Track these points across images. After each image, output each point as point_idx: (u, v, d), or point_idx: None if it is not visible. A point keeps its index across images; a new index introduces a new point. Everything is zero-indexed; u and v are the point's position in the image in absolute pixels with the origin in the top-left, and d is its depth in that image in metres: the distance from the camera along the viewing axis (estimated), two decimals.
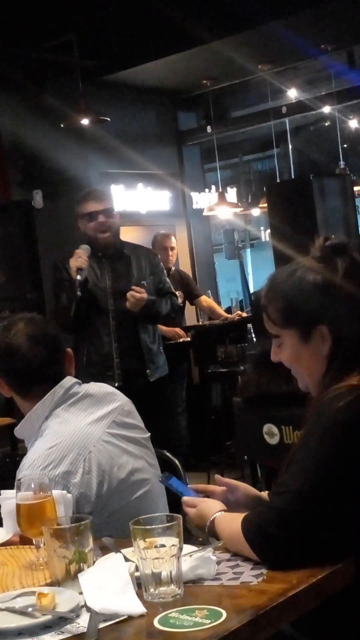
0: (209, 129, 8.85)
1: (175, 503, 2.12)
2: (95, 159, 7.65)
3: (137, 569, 1.61)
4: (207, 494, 2.01)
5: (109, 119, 6.73)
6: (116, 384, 4.25)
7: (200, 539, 1.92)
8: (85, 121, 6.56)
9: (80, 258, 4.39)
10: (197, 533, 1.90)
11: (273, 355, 1.90)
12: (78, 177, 7.54)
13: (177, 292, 5.40)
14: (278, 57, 7.58)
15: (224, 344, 6.16)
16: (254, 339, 5.78)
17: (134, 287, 4.45)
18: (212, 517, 1.84)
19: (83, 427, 2.29)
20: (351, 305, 1.79)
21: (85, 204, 4.60)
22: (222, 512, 1.85)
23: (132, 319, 4.50)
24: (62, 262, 4.59)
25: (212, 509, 1.87)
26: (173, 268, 6.87)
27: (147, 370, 4.57)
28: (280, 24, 6.63)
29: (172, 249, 6.93)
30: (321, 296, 1.80)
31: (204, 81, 8.09)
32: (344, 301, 1.79)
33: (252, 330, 5.95)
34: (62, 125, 6.73)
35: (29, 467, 2.19)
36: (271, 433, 3.32)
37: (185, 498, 1.97)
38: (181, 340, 6.55)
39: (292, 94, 8.49)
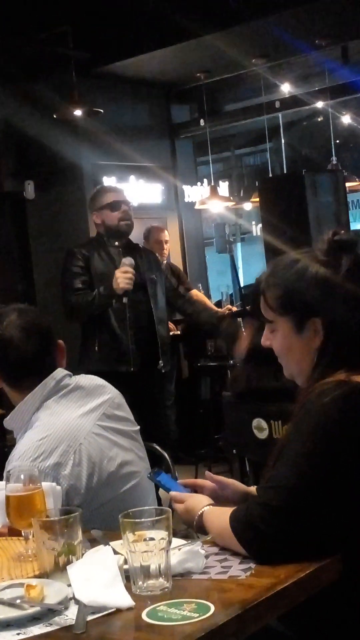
0: (202, 122, 8.83)
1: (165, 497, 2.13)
2: (87, 151, 7.63)
3: (125, 561, 1.62)
4: (196, 489, 2.02)
5: (102, 111, 6.72)
6: (132, 369, 4.32)
7: (187, 533, 1.93)
8: (78, 112, 6.54)
9: (128, 279, 4.44)
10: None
11: (264, 340, 1.90)
12: (70, 169, 7.52)
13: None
14: (272, 52, 7.57)
15: (214, 338, 6.16)
16: (244, 333, 5.79)
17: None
18: (200, 512, 1.84)
19: (74, 419, 2.29)
20: (349, 304, 1.80)
21: (105, 195, 4.78)
22: (210, 506, 1.85)
23: (147, 310, 4.59)
24: (78, 249, 4.70)
25: (200, 503, 1.87)
26: (165, 262, 6.88)
27: (160, 362, 4.68)
28: (274, 18, 6.62)
29: (166, 242, 6.97)
30: (320, 289, 1.80)
31: (198, 74, 8.06)
32: (342, 298, 1.79)
33: (242, 324, 5.95)
34: (55, 117, 6.70)
35: (18, 459, 2.19)
36: (260, 427, 3.33)
37: (173, 493, 1.98)
38: (171, 333, 6.55)
39: (286, 88, 8.47)
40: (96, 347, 4.59)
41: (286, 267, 1.86)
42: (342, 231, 1.88)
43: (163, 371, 4.73)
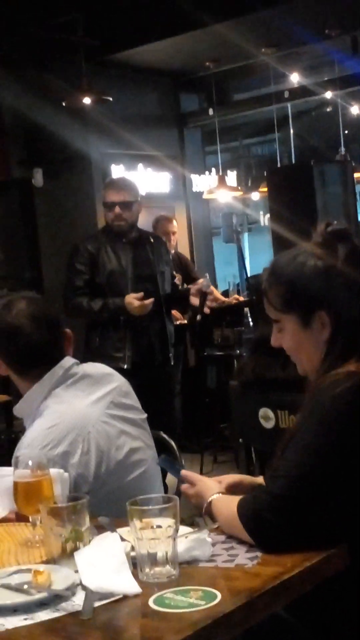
0: (210, 111, 8.81)
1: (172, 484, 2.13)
2: (96, 139, 7.62)
3: (133, 548, 1.63)
4: None
5: (111, 99, 6.70)
6: (125, 366, 4.34)
7: (193, 521, 1.94)
8: (87, 100, 6.53)
9: (138, 310, 4.49)
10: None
11: (274, 341, 1.91)
12: (79, 157, 7.51)
13: (175, 275, 5.48)
14: (281, 41, 7.54)
15: (221, 327, 6.16)
16: (251, 323, 5.79)
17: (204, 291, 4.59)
18: (210, 499, 1.85)
19: (82, 407, 2.30)
20: (351, 292, 1.80)
21: (106, 192, 4.75)
22: (220, 494, 1.86)
23: (154, 303, 4.58)
24: (83, 245, 4.68)
25: (210, 489, 1.88)
26: (173, 251, 6.88)
27: (170, 355, 4.75)
28: (284, 8, 6.60)
29: (174, 233, 6.97)
30: (322, 282, 1.80)
31: (207, 63, 8.04)
32: (344, 287, 1.80)
33: (249, 314, 5.95)
34: (64, 104, 6.69)
35: (27, 446, 2.20)
36: (267, 417, 3.33)
37: (184, 472, 1.97)
38: (178, 322, 6.55)
39: (295, 78, 8.44)
40: (97, 342, 4.60)
41: (285, 265, 1.87)
42: (335, 222, 1.89)
43: (172, 363, 4.79)
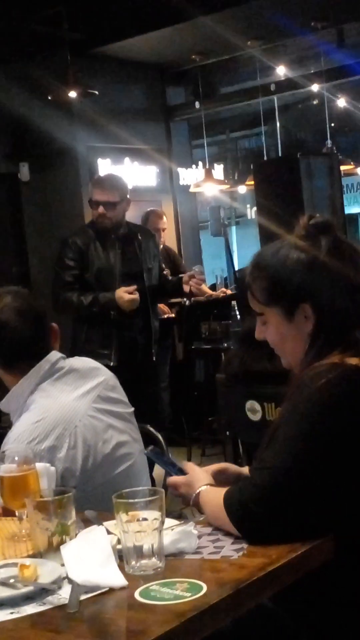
0: (197, 104, 8.80)
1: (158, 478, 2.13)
2: (82, 133, 7.60)
3: (119, 541, 1.63)
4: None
5: (97, 93, 6.68)
6: (112, 364, 4.34)
7: (180, 513, 1.94)
8: (73, 94, 6.50)
9: (134, 303, 4.52)
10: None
11: (258, 334, 1.91)
12: (65, 151, 7.49)
13: (165, 269, 5.49)
14: (267, 34, 7.53)
15: (208, 321, 6.17)
16: (238, 317, 5.80)
17: (195, 277, 4.67)
18: (198, 491, 1.85)
19: (69, 402, 2.30)
20: (334, 284, 1.80)
21: (92, 190, 4.76)
22: (208, 486, 1.86)
23: (142, 299, 4.60)
24: (73, 239, 4.68)
25: (199, 480, 1.88)
26: (161, 247, 6.87)
27: (152, 350, 4.75)
28: (270, 1, 6.58)
29: (164, 230, 6.97)
30: (304, 274, 1.81)
31: (193, 56, 8.03)
32: (327, 279, 1.80)
33: (236, 308, 5.96)
34: (49, 98, 6.67)
35: (14, 441, 2.19)
36: (254, 410, 3.34)
37: (187, 463, 1.98)
38: (165, 316, 6.56)
39: (281, 71, 8.43)
40: (84, 338, 4.60)
41: (268, 258, 1.87)
42: (317, 214, 1.90)
43: (154, 359, 4.80)
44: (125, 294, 4.48)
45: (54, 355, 2.36)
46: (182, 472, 1.96)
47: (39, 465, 1.96)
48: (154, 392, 5.05)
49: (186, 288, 4.65)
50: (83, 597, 1.49)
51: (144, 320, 4.72)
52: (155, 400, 5.10)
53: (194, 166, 9.26)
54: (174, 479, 1.94)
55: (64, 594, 1.51)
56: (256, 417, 3.33)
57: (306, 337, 1.82)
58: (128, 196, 4.78)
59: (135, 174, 8.29)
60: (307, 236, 1.85)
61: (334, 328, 1.80)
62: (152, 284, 4.77)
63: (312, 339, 1.81)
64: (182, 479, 1.92)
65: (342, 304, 1.80)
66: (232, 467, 2.07)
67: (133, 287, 4.50)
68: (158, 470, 3.39)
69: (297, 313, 1.82)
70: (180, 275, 4.88)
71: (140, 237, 4.79)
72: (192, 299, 6.52)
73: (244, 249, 12.84)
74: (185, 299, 4.59)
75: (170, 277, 5.27)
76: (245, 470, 2.03)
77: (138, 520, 1.58)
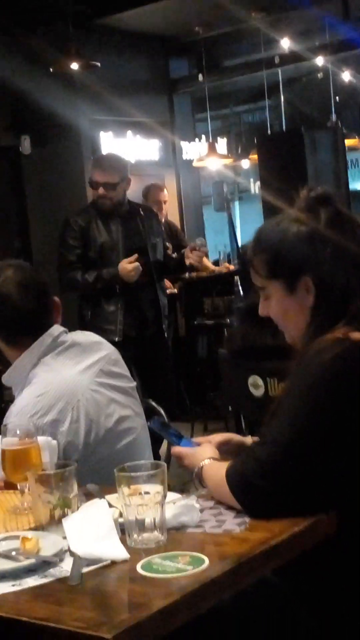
0: (200, 77, 8.72)
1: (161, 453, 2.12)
2: (84, 105, 7.55)
3: (121, 515, 1.63)
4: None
5: (99, 64, 6.62)
6: (116, 339, 4.36)
7: (182, 488, 1.94)
8: (75, 66, 6.44)
9: (137, 272, 4.53)
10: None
11: (261, 310, 1.90)
12: (67, 123, 7.44)
13: (168, 245, 5.49)
14: (271, 6, 7.46)
15: (211, 296, 6.16)
16: (241, 292, 5.78)
17: (197, 249, 4.66)
18: (201, 464, 1.85)
19: (71, 376, 2.29)
20: (335, 256, 1.79)
21: (93, 170, 4.79)
22: (211, 459, 1.86)
23: (146, 274, 4.61)
24: (74, 219, 4.70)
25: (203, 453, 1.88)
26: (163, 220, 6.85)
27: (163, 325, 4.78)
28: None
29: (165, 202, 6.95)
30: (305, 246, 1.80)
31: (197, 28, 7.95)
32: (327, 251, 1.79)
33: (239, 283, 5.94)
34: (51, 70, 6.61)
35: (17, 415, 2.19)
36: (256, 385, 3.34)
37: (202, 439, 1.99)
38: (168, 291, 6.54)
39: (285, 44, 8.34)
40: (90, 315, 4.62)
41: (268, 232, 1.87)
42: (318, 188, 1.88)
43: (166, 335, 4.83)
44: (129, 265, 4.48)
45: (56, 329, 2.35)
46: (187, 443, 1.96)
47: (41, 439, 1.96)
48: (165, 368, 5.08)
49: (188, 261, 4.65)
50: (85, 569, 1.49)
51: (152, 294, 4.72)
52: (165, 377, 5.13)
53: (197, 140, 9.20)
54: (178, 449, 1.93)
55: (65, 567, 1.51)
56: (259, 392, 3.33)
57: (308, 311, 1.81)
58: (129, 176, 4.76)
59: (137, 147, 8.25)
60: (307, 209, 1.84)
61: (335, 301, 1.79)
62: (157, 259, 4.77)
63: (314, 312, 1.80)
64: (186, 450, 1.92)
65: (343, 276, 1.79)
66: (235, 437, 2.06)
67: (134, 257, 4.50)
68: (165, 447, 3.40)
69: (298, 286, 1.81)
70: (183, 251, 4.87)
71: (142, 214, 4.79)
72: (195, 273, 6.52)
73: (247, 224, 12.79)
74: (187, 274, 4.58)
75: (173, 254, 5.25)
76: (248, 440, 2.03)
77: (140, 493, 1.58)
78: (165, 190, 7.09)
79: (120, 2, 7.05)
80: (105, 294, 4.59)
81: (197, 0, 7.02)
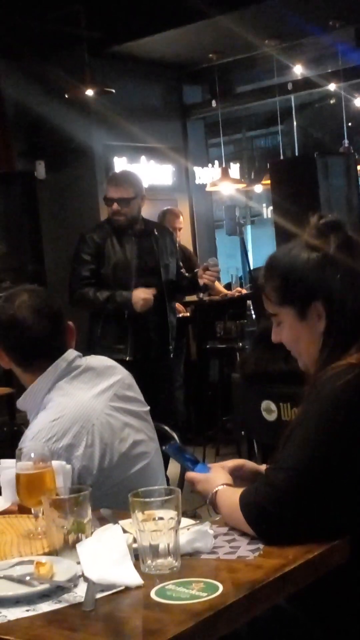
0: (213, 103, 8.78)
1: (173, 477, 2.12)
2: (99, 131, 7.61)
3: (134, 540, 1.63)
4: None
5: (113, 91, 6.69)
6: (127, 358, 4.34)
7: (195, 513, 1.94)
8: (90, 92, 6.52)
9: (148, 304, 4.52)
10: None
11: (274, 336, 1.91)
12: (81, 149, 7.51)
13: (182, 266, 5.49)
14: (285, 33, 7.52)
15: (223, 320, 6.16)
16: (253, 316, 5.79)
17: (209, 268, 4.63)
18: (215, 490, 1.85)
19: (86, 400, 2.29)
20: (345, 281, 1.80)
21: (107, 187, 4.79)
22: (225, 485, 1.86)
23: (159, 296, 4.61)
24: (90, 235, 4.70)
25: (218, 479, 1.88)
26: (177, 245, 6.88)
27: (170, 347, 4.75)
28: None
29: (180, 229, 6.97)
30: (315, 273, 1.82)
31: (210, 55, 8.02)
32: (338, 277, 1.80)
33: (251, 307, 5.95)
34: (66, 96, 6.69)
35: (32, 439, 2.20)
36: (269, 410, 3.34)
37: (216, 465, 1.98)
38: (180, 315, 6.56)
39: (298, 70, 8.42)
40: (99, 333, 4.62)
41: (279, 259, 1.89)
42: (328, 214, 1.91)
43: (172, 356, 4.80)
44: (142, 294, 4.48)
45: (71, 353, 2.36)
46: (202, 468, 1.95)
47: (55, 463, 1.96)
48: (169, 390, 5.04)
49: (201, 281, 4.63)
50: (99, 595, 1.49)
51: (160, 317, 4.71)
52: (170, 398, 5.09)
53: (210, 165, 9.25)
54: (192, 474, 1.93)
55: (79, 592, 1.51)
56: (272, 417, 3.32)
57: (320, 336, 1.82)
58: (143, 192, 4.77)
59: (151, 172, 8.30)
60: (318, 235, 1.86)
61: (346, 326, 1.80)
62: (169, 279, 4.76)
63: (326, 338, 1.81)
64: (200, 476, 1.92)
65: (354, 302, 1.80)
66: (249, 463, 2.06)
67: (152, 290, 4.50)
68: (172, 469, 3.39)
69: (309, 312, 1.82)
70: (196, 270, 4.87)
71: (156, 233, 4.79)
72: (208, 296, 6.52)
73: (260, 248, 12.81)
74: (201, 295, 4.55)
75: (186, 274, 5.25)
76: (262, 467, 2.03)
77: (154, 519, 1.58)
78: (181, 216, 7.11)
79: (135, 29, 7.13)
80: (115, 313, 4.59)
81: (211, 28, 7.08)
